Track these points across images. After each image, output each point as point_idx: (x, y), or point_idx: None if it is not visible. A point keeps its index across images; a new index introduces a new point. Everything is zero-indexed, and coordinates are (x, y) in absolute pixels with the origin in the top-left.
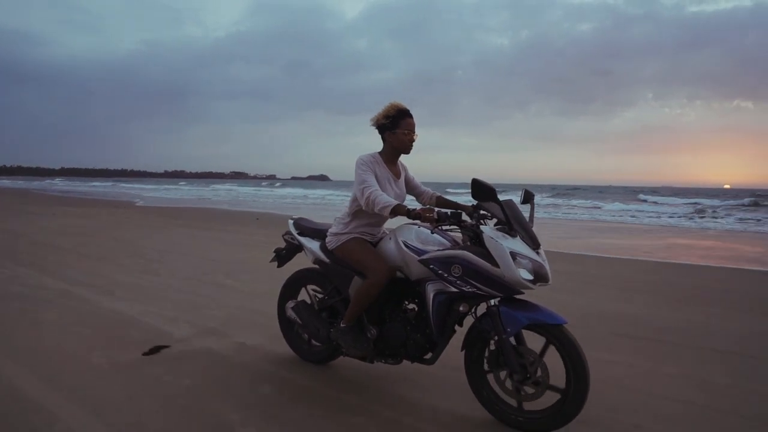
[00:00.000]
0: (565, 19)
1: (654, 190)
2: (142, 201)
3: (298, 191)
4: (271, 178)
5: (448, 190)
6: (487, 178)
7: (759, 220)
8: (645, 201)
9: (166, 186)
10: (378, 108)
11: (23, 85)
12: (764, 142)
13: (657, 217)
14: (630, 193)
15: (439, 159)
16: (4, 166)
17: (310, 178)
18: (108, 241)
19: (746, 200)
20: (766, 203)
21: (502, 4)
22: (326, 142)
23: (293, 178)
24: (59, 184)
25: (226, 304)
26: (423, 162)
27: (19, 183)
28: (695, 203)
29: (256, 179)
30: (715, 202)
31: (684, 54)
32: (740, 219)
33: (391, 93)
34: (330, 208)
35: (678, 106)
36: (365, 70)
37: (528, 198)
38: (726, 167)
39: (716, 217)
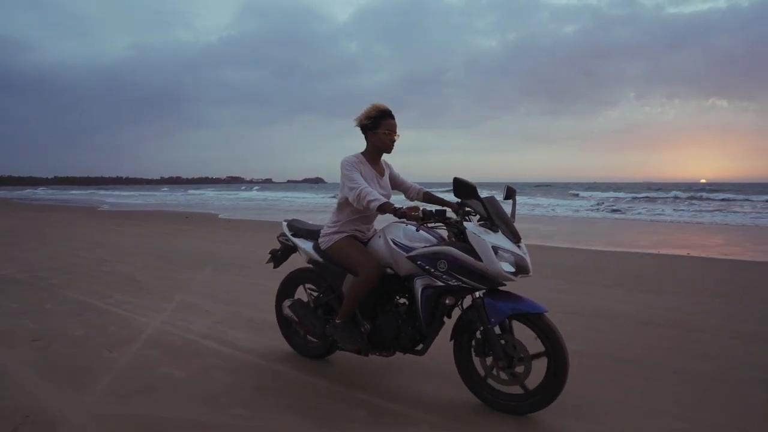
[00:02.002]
0: (551, 20)
1: (618, 187)
2: (107, 206)
3: (267, 194)
4: (267, 182)
5: (442, 190)
6: (477, 177)
7: (619, 210)
8: (576, 195)
9: (145, 192)
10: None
11: (11, 93)
12: (739, 138)
13: (552, 209)
14: (582, 188)
15: (433, 159)
16: None
17: (306, 180)
18: (32, 233)
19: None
20: (665, 196)
21: (489, 6)
22: (321, 144)
23: (289, 182)
24: (40, 193)
25: (60, 261)
26: (417, 163)
27: (1, 193)
28: (609, 197)
29: (251, 183)
30: (634, 195)
31: (663, 54)
32: (614, 209)
33: (384, 95)
34: (275, 207)
35: (658, 105)
36: (357, 73)
37: (510, 194)
38: (705, 162)
39: (599, 209)
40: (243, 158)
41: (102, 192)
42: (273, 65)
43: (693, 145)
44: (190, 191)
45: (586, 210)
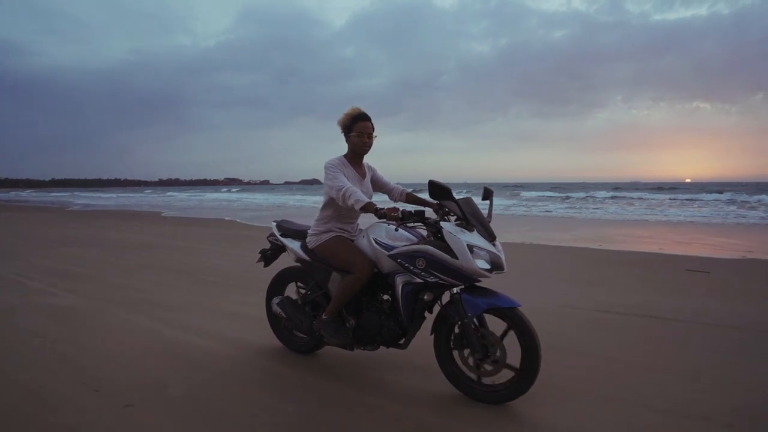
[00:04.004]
0: (540, 26)
1: (593, 187)
2: (78, 207)
3: (238, 195)
4: (265, 183)
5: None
6: (470, 177)
7: (510, 207)
8: (517, 195)
9: (125, 194)
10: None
11: (11, 96)
12: (723, 139)
13: None
14: (547, 188)
15: (428, 160)
16: None
17: (303, 182)
18: None
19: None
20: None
21: (481, 12)
22: (318, 147)
23: (286, 183)
24: (24, 195)
25: None
26: (412, 163)
27: None
28: (542, 196)
29: (249, 185)
30: (570, 194)
31: (649, 59)
32: (510, 206)
33: (380, 99)
34: (228, 207)
35: (644, 108)
36: (354, 77)
37: (487, 195)
38: (693, 162)
39: (507, 207)
40: (242, 160)
41: (83, 194)
42: (271, 69)
43: (679, 146)
44: (170, 193)
45: (495, 208)
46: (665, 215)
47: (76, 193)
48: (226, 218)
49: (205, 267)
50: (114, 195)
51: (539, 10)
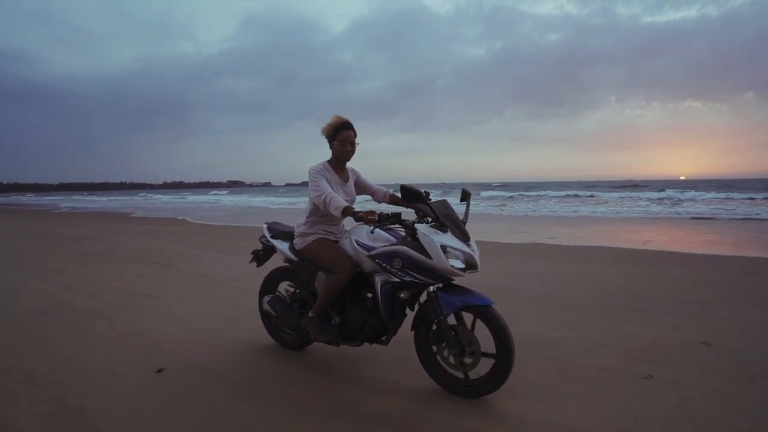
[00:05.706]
0: (535, 30)
1: (572, 186)
2: (65, 209)
3: (231, 198)
4: (267, 185)
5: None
6: (464, 177)
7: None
8: (478, 194)
9: (114, 197)
10: (357, 117)
11: (19, 103)
12: (714, 138)
13: None
14: (525, 187)
15: (425, 161)
16: (0, 183)
17: (303, 184)
18: None
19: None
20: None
21: (476, 17)
22: (318, 149)
23: (287, 185)
24: (23, 199)
25: None
26: (410, 164)
27: None
28: (499, 196)
29: (251, 186)
30: (521, 193)
31: (641, 60)
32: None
33: (378, 101)
34: (200, 208)
35: (637, 108)
36: (352, 81)
37: (465, 196)
38: (688, 160)
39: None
40: (244, 163)
41: (77, 197)
42: (272, 74)
43: (673, 144)
44: (157, 195)
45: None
46: (574, 211)
47: (74, 196)
48: (179, 218)
49: (101, 250)
50: (105, 198)
51: (533, 14)
